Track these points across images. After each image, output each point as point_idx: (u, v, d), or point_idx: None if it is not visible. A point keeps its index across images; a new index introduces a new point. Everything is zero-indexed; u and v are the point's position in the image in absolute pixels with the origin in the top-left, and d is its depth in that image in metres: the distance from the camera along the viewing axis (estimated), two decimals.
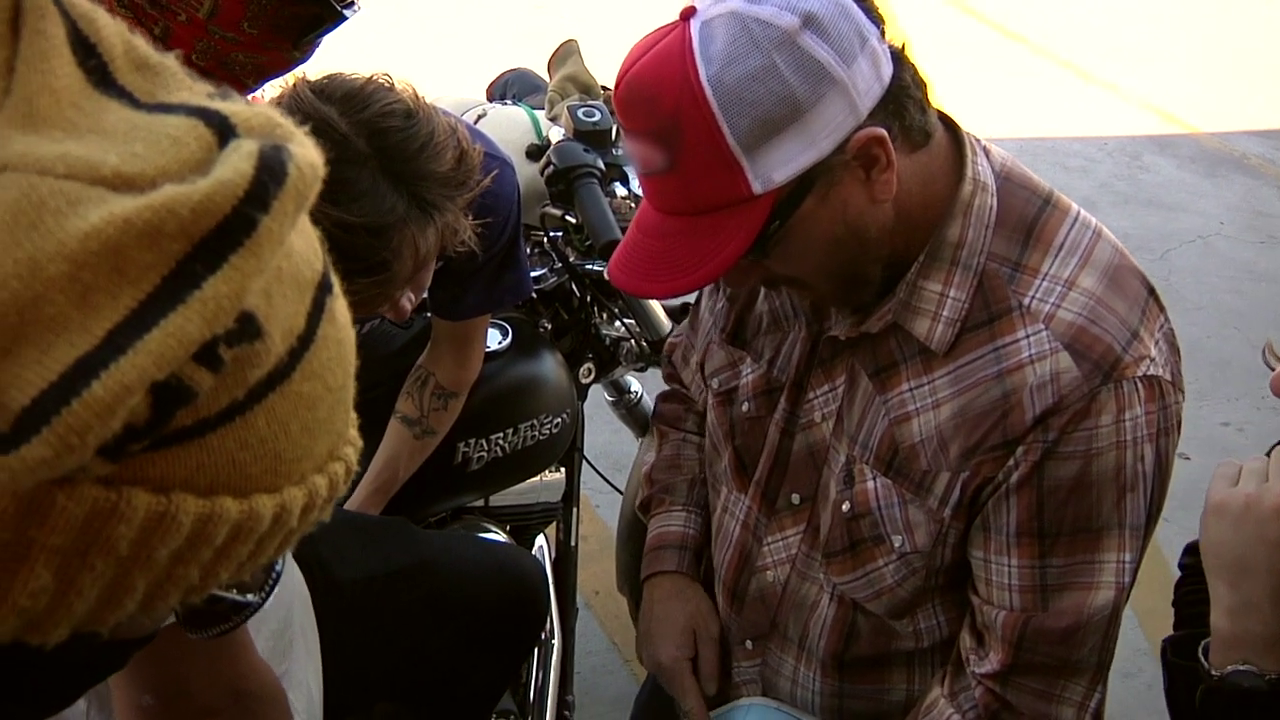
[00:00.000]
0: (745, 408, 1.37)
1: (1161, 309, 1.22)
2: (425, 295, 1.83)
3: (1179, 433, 1.20)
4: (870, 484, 1.24)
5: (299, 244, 0.49)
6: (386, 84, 1.38)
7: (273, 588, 0.66)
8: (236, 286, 0.42)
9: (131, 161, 0.42)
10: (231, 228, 0.42)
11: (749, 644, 1.43)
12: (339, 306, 0.52)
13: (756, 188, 1.05)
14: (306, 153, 0.45)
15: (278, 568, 0.65)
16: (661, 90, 1.04)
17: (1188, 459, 3.06)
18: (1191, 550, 1.22)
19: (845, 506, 1.26)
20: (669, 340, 1.66)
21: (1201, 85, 6.35)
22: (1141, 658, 2.78)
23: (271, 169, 0.43)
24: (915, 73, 1.12)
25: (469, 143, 1.42)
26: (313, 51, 1.32)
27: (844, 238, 1.12)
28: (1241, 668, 1.01)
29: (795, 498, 1.34)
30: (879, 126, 1.07)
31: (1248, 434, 3.66)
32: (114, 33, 0.47)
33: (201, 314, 0.41)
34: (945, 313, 1.17)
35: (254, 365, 0.46)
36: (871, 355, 1.24)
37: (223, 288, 0.42)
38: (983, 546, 1.20)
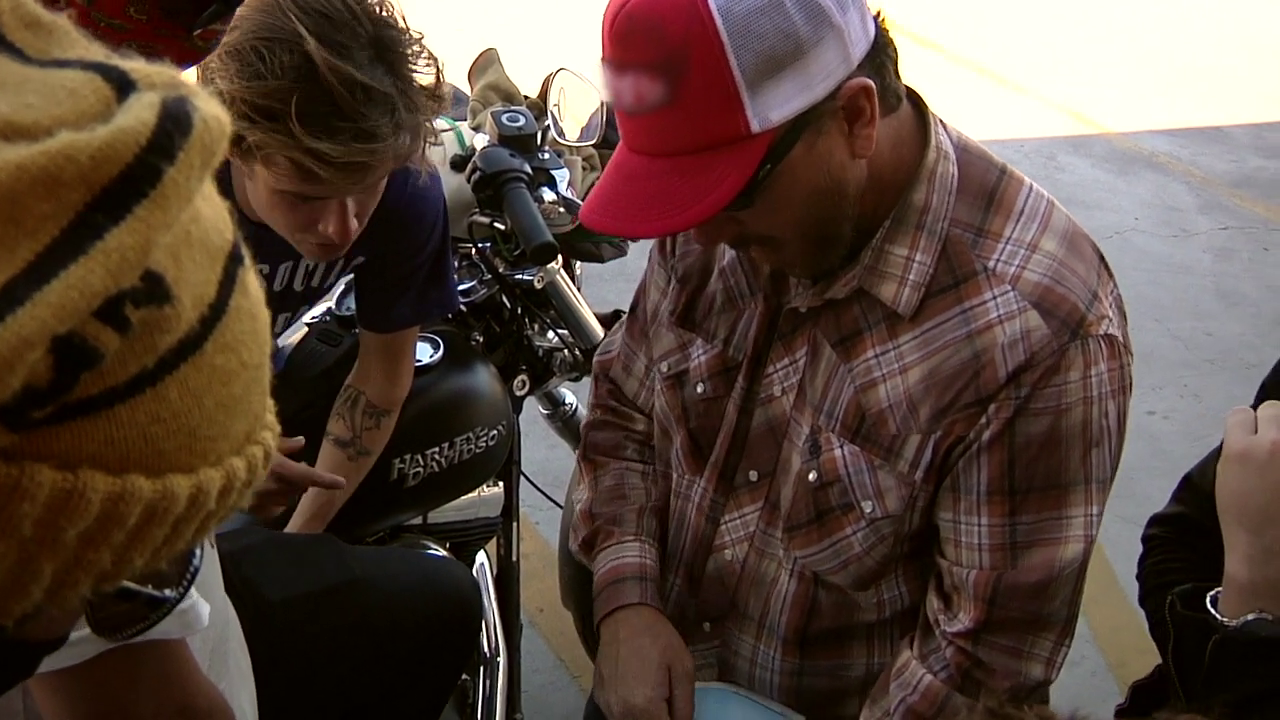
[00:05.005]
0: (700, 389, 1.36)
1: (1111, 275, 1.25)
2: (353, 307, 1.80)
3: (1131, 393, 1.23)
4: (838, 451, 1.24)
5: (207, 210, 0.47)
6: None
7: (190, 582, 0.63)
8: (141, 239, 0.40)
9: (24, 112, 0.40)
10: (135, 176, 0.40)
11: (707, 626, 1.41)
12: (251, 280, 0.50)
13: (754, 125, 1.05)
14: (212, 108, 0.43)
15: (195, 561, 0.62)
16: (668, 19, 1.02)
17: None
18: (1157, 521, 1.22)
19: (812, 476, 1.26)
20: (599, 359, 1.60)
21: (1110, 87, 6.50)
22: (1084, 645, 2.81)
23: (176, 119, 0.41)
24: (889, 38, 1.14)
25: (443, 78, 1.43)
26: (218, 40, 1.28)
27: (826, 189, 1.12)
28: (1258, 616, 1.00)
29: (753, 474, 1.33)
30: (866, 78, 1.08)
31: (1174, 421, 3.73)
32: None
33: (105, 265, 0.39)
34: (911, 276, 1.19)
35: (163, 330, 0.43)
36: (835, 324, 1.24)
37: (127, 239, 0.40)
38: (952, 508, 1.22)
